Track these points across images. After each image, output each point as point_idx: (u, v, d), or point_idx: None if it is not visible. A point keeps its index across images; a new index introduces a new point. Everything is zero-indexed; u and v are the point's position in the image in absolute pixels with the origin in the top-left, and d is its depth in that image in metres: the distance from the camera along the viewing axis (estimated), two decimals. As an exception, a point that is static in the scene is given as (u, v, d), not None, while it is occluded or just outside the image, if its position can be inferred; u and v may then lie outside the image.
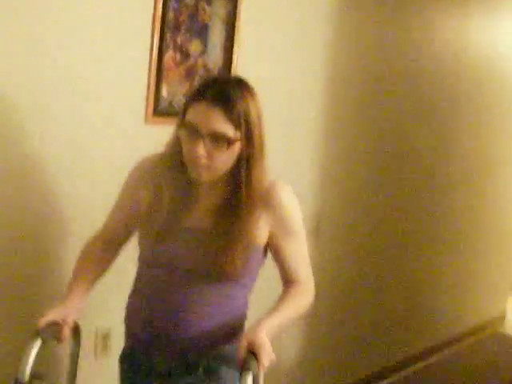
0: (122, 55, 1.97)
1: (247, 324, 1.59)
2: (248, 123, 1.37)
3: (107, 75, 1.95)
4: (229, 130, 1.35)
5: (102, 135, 1.96)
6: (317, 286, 1.62)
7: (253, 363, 1.37)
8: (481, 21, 3.71)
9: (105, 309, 2.02)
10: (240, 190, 1.42)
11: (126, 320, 1.59)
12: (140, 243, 1.58)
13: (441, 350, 3.82)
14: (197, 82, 2.14)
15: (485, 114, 3.92)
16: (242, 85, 1.41)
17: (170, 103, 2.11)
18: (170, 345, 1.49)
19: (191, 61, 2.14)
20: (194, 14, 2.12)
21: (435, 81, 3.39)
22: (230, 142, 1.36)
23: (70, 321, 1.53)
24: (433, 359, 3.69)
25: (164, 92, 2.07)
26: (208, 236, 1.45)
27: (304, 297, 1.58)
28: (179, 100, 2.09)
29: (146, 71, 2.03)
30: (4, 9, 1.70)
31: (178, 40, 2.09)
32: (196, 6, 2.12)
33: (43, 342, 1.42)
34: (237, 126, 1.36)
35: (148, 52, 2.02)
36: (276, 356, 1.41)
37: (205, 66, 2.19)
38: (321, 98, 2.72)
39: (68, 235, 1.94)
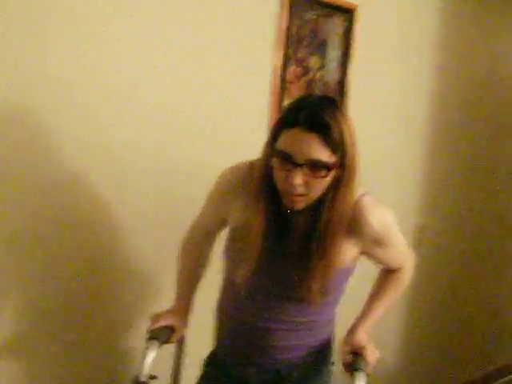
0: (248, 70, 2.01)
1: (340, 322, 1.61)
2: (343, 146, 1.27)
3: (233, 89, 1.99)
4: (326, 156, 1.25)
5: (227, 146, 1.98)
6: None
7: (362, 362, 1.43)
8: None
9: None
10: (322, 214, 1.34)
11: (216, 331, 1.58)
12: (228, 265, 1.51)
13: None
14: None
15: None
16: (334, 106, 1.29)
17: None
18: (261, 359, 1.49)
19: (311, 75, 2.15)
20: (315, 30, 2.13)
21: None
22: (328, 168, 1.27)
23: (181, 329, 1.58)
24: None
25: (286, 104, 2.07)
26: (294, 261, 1.40)
27: (401, 281, 1.59)
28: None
29: (269, 84, 2.05)
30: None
31: (299, 55, 2.11)
32: (316, 22, 2.13)
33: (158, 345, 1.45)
34: (334, 151, 1.26)
35: (271, 66, 2.05)
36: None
37: (322, 80, 2.20)
38: (427, 111, 2.74)
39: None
